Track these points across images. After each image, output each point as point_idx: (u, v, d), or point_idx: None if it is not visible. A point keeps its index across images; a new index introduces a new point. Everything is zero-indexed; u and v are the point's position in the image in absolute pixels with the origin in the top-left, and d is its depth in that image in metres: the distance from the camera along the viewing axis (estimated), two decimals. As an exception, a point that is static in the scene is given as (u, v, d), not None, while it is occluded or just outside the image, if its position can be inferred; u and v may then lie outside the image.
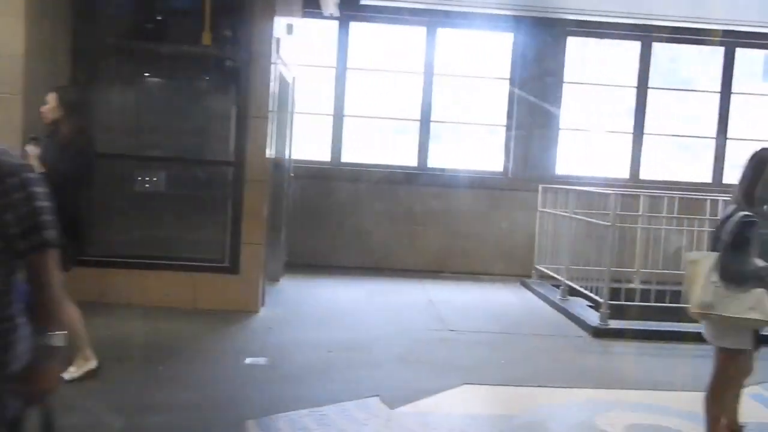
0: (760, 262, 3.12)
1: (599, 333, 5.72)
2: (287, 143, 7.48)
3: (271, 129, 6.12)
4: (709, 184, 8.72)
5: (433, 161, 8.70)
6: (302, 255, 8.26)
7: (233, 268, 5.95)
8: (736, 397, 3.51)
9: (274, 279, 7.37)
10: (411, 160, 8.69)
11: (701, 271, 3.18)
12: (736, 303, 3.08)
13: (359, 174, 8.49)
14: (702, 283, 3.15)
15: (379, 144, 8.84)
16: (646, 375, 4.72)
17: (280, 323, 5.72)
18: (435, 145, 8.79)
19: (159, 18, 6.09)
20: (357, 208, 8.45)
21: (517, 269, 8.25)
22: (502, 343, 5.45)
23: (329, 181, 8.45)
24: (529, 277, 8.03)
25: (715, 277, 3.13)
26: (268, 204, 6.16)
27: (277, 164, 7.36)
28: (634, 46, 8.78)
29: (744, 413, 4.01)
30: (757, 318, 3.06)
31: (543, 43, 8.57)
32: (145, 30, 6.02)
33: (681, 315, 6.04)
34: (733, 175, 8.74)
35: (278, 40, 6.13)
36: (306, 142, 8.58)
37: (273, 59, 5.97)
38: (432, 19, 8.47)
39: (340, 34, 8.50)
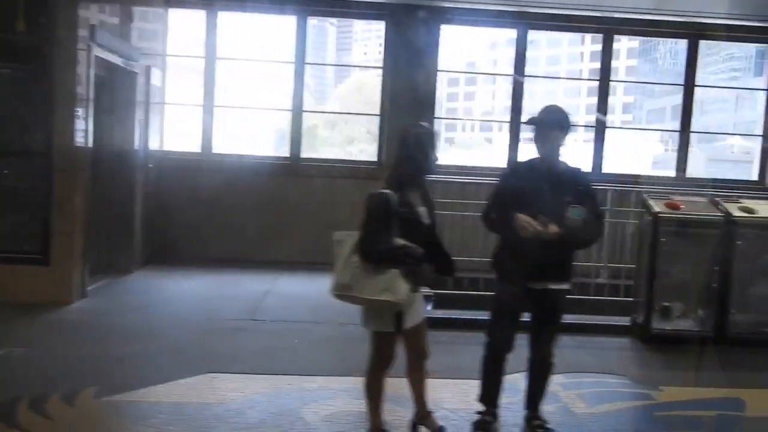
0: (399, 242, 3.02)
1: (407, 322, 5.62)
2: (138, 134, 7.39)
3: (86, 118, 6.02)
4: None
5: (306, 151, 8.59)
6: (170, 247, 8.18)
7: (43, 260, 5.87)
8: (418, 382, 3.41)
9: (125, 271, 7.30)
10: (284, 150, 8.59)
11: (345, 251, 3.07)
12: (371, 284, 2.98)
13: (231, 165, 8.38)
14: (342, 264, 3.05)
15: (251, 135, 8.75)
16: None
17: (87, 314, 5.64)
18: (308, 134, 8.70)
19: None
20: (229, 199, 8.33)
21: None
22: (297, 333, 5.36)
23: (200, 172, 8.32)
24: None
25: (355, 258, 3.03)
26: (84, 194, 6.06)
27: (126, 155, 7.30)
28: (511, 34, 8.66)
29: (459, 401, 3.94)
30: (388, 299, 2.96)
31: (417, 31, 8.44)
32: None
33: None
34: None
35: (93, 27, 6.02)
36: (176, 133, 8.50)
37: (83, 46, 5.88)
38: (302, 7, 8.35)
39: (208, 24, 8.38)
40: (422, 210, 3.17)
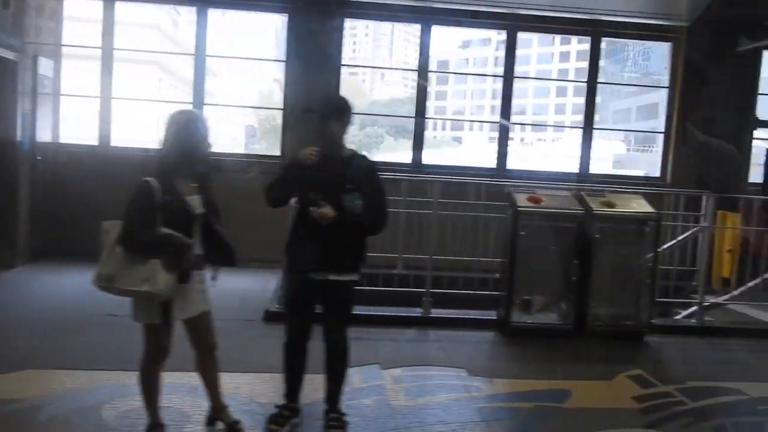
0: (163, 231, 2.95)
1: (269, 317, 5.57)
2: (21, 125, 7.19)
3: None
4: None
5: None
6: (62, 241, 7.95)
7: None
8: (208, 376, 3.35)
9: (6, 266, 7.11)
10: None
11: (110, 241, 3.00)
12: (132, 274, 2.91)
13: (129, 158, 8.20)
14: (107, 254, 2.97)
15: (152, 128, 8.60)
16: (243, 357, 4.51)
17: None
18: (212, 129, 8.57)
19: None
20: (125, 193, 8.11)
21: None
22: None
23: (96, 164, 8.12)
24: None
25: (119, 248, 2.95)
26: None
27: (5, 146, 7.10)
28: (415, 29, 8.64)
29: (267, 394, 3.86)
30: (148, 290, 2.89)
31: (319, 24, 8.36)
32: None
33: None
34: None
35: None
36: (73, 125, 8.30)
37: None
38: (202, -1, 8.23)
39: (105, 15, 8.19)
40: (193, 198, 3.10)
